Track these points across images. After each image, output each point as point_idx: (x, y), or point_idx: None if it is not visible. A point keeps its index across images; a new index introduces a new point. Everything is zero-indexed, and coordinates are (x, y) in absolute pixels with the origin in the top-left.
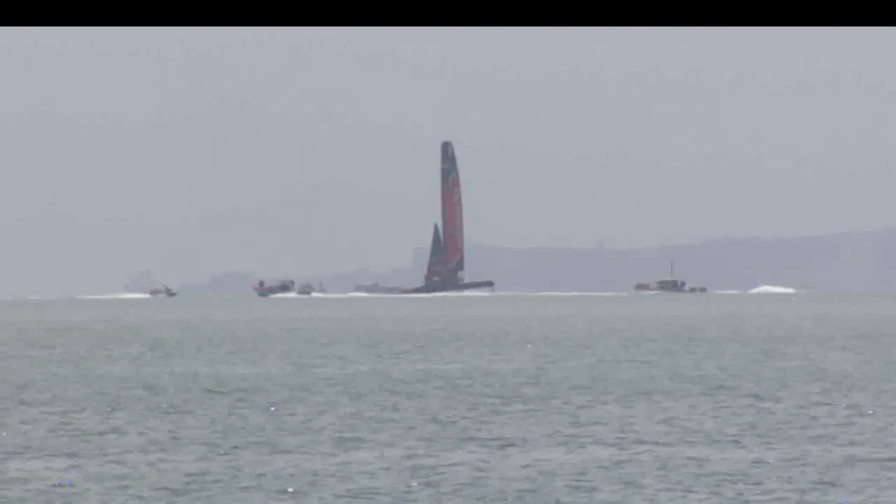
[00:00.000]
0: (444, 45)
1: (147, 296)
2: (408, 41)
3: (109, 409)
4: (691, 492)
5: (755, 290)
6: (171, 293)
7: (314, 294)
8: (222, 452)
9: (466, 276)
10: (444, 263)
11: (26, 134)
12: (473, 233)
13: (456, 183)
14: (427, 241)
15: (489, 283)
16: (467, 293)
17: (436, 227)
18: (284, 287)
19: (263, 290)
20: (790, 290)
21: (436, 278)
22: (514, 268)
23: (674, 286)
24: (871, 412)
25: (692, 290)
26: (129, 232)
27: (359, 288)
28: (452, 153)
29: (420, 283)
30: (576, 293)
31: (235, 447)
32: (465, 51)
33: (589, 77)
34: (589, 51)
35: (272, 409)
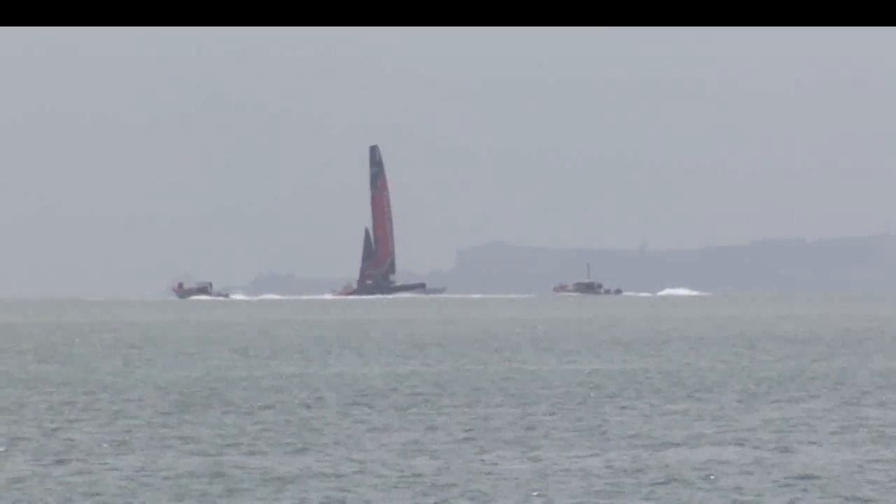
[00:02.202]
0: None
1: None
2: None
3: None
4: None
5: (662, 293)
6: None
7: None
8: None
9: (493, 272)
10: (377, 266)
11: (40, 136)
12: (510, 234)
13: (384, 187)
14: (474, 243)
15: (422, 285)
16: (399, 295)
17: (367, 230)
18: (202, 289)
19: (182, 292)
20: (695, 293)
21: (368, 281)
22: (554, 268)
23: (590, 288)
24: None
25: (607, 291)
26: (165, 234)
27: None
28: (380, 157)
29: (460, 284)
30: (515, 295)
31: None
32: (490, 54)
33: (608, 79)
34: (593, 51)
35: None
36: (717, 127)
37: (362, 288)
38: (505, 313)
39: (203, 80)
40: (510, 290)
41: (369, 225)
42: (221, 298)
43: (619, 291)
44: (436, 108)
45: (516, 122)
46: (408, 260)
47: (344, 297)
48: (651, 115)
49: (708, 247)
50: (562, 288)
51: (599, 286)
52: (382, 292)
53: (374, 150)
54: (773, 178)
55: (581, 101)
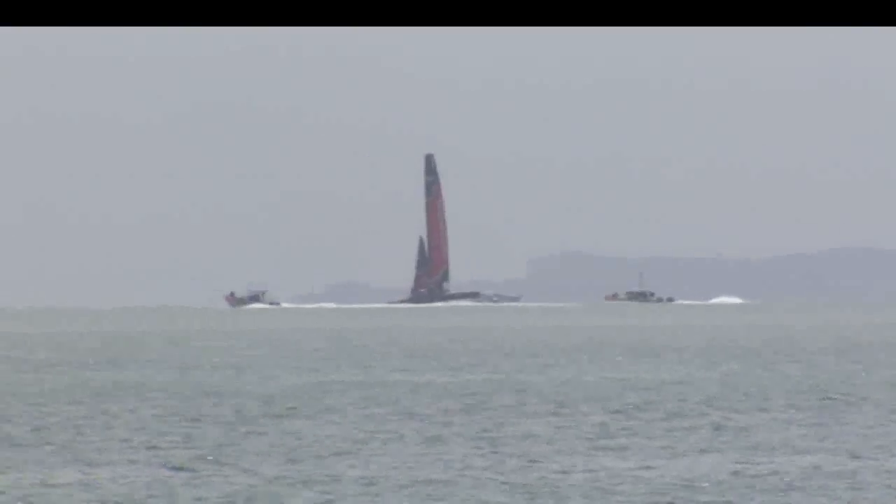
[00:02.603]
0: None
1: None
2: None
3: None
4: None
5: (713, 301)
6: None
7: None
8: None
9: (566, 281)
10: (430, 276)
11: (109, 141)
12: (585, 242)
13: (439, 195)
14: (548, 252)
15: (475, 294)
16: (454, 303)
17: (421, 239)
18: (255, 298)
19: (234, 301)
20: (741, 301)
21: (422, 290)
22: (630, 277)
23: (642, 296)
24: None
25: (659, 300)
26: (235, 238)
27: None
28: (435, 166)
29: (535, 294)
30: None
31: None
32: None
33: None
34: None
35: None
36: (799, 132)
37: (416, 296)
38: (543, 322)
39: (249, 85)
40: (584, 299)
41: (424, 233)
42: (273, 307)
43: (670, 299)
44: (498, 116)
45: (586, 130)
46: (479, 269)
47: (396, 305)
48: (722, 120)
49: (790, 255)
50: (613, 297)
51: (651, 294)
52: (436, 300)
53: (429, 159)
54: (849, 185)
55: (646, 107)
